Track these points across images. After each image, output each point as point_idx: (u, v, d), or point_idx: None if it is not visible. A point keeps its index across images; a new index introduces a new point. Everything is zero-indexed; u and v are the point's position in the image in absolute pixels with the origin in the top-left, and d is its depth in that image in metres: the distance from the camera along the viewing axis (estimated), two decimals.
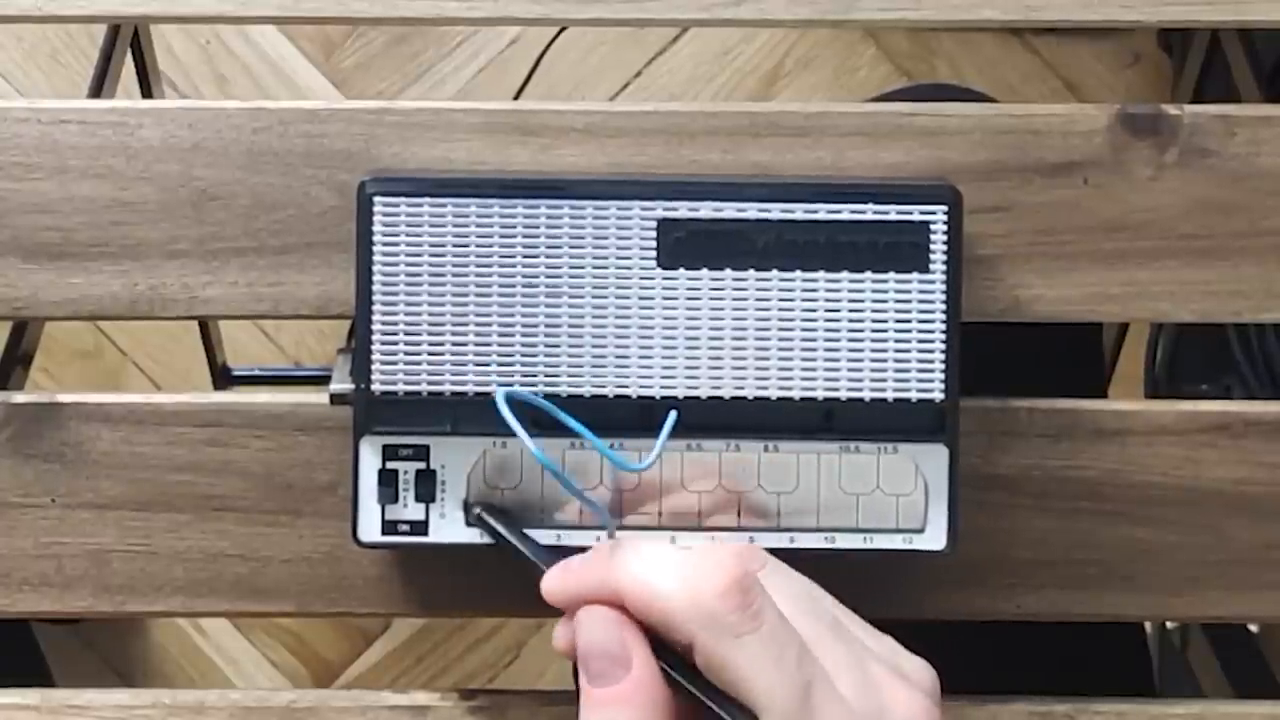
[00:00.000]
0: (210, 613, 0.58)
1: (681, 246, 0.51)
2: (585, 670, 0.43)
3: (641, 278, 0.51)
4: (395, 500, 0.51)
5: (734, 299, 0.51)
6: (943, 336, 0.51)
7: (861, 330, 0.51)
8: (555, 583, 0.45)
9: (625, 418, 0.51)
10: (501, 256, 0.51)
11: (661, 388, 0.51)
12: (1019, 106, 0.57)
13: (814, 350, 0.51)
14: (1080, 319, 0.56)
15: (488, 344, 0.51)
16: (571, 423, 0.49)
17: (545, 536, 0.51)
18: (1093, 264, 0.56)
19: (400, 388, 0.51)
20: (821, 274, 0.51)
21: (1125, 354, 1.03)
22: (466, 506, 0.51)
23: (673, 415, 0.50)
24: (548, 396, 0.50)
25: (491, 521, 0.50)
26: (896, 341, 0.51)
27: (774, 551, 0.46)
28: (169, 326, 1.27)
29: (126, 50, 0.88)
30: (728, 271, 0.51)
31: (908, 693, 0.43)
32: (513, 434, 0.47)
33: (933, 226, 0.51)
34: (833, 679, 0.42)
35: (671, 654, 0.43)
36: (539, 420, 0.50)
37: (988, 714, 0.56)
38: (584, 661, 0.43)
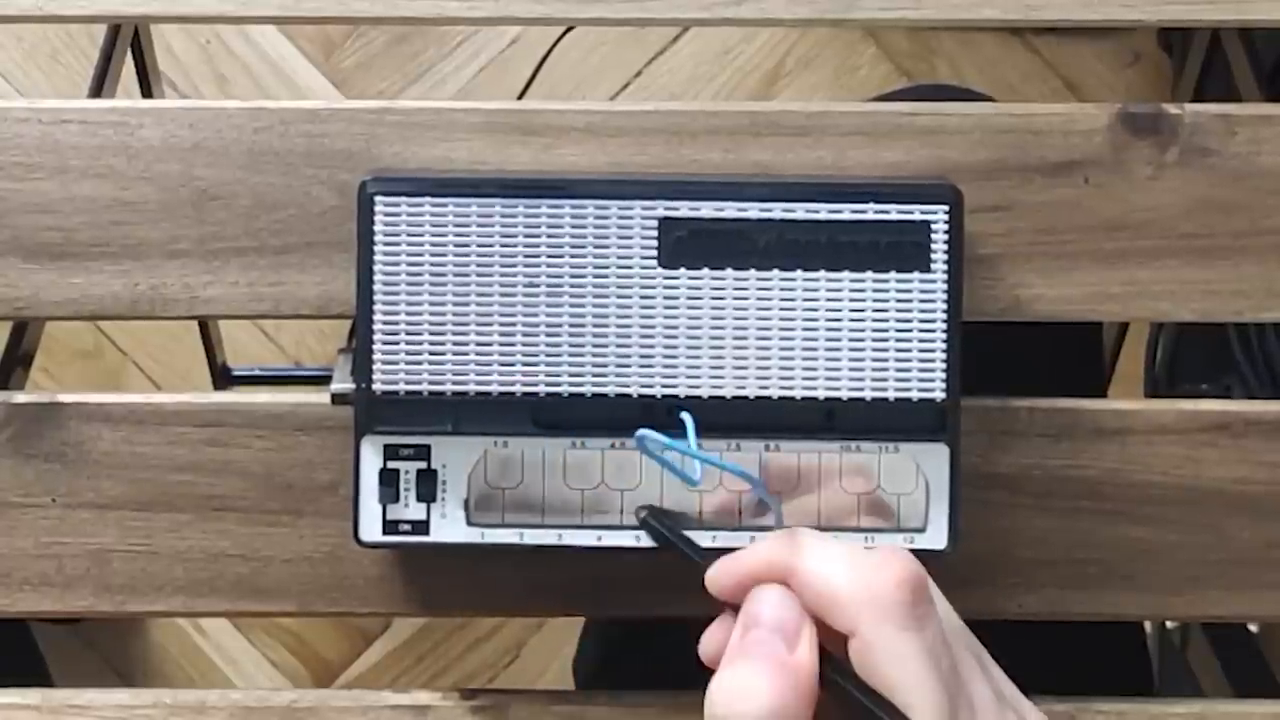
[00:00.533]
0: (211, 613, 0.58)
1: (683, 246, 0.51)
2: (745, 636, 0.42)
3: (643, 277, 0.51)
4: (396, 500, 0.51)
5: (735, 298, 0.51)
6: (943, 336, 0.51)
7: (862, 330, 0.51)
8: (725, 571, 0.44)
9: (626, 417, 0.51)
10: (503, 256, 0.51)
11: (663, 387, 0.51)
12: (1019, 106, 0.57)
13: (815, 350, 0.51)
14: (1080, 319, 0.56)
15: (489, 343, 0.51)
16: (714, 460, 0.48)
17: (546, 536, 0.51)
18: (1093, 263, 0.56)
19: (401, 387, 0.51)
20: (822, 273, 0.51)
21: (1125, 354, 1.03)
22: (468, 506, 0.51)
23: (690, 420, 0.49)
24: (548, 396, 0.50)
25: (655, 524, 0.50)
26: (897, 341, 0.51)
27: None
28: (169, 326, 1.27)
29: (126, 50, 0.88)
30: (729, 271, 0.51)
31: None
32: (514, 433, 0.46)
33: (933, 226, 0.51)
34: (975, 707, 0.41)
35: (829, 653, 0.42)
36: (539, 419, 0.50)
37: None
38: (747, 627, 0.42)
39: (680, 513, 0.51)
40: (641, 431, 0.45)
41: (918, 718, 0.40)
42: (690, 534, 0.50)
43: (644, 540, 0.51)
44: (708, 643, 0.44)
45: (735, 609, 0.43)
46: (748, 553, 0.44)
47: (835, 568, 0.42)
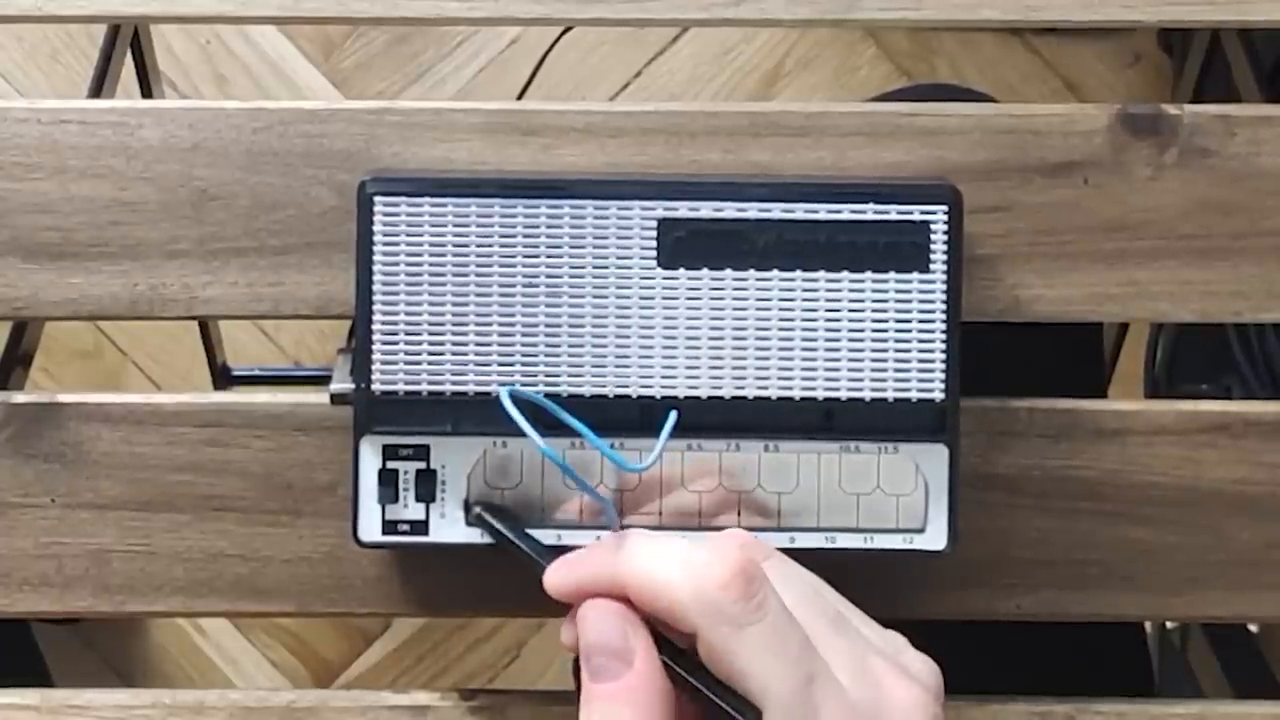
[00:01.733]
0: (210, 613, 0.58)
1: (682, 246, 0.51)
2: (587, 665, 0.43)
3: (642, 278, 0.51)
4: (395, 500, 0.51)
5: (734, 299, 0.51)
6: (943, 336, 0.51)
7: (862, 330, 0.51)
8: (559, 576, 0.45)
9: (625, 418, 0.51)
10: (502, 256, 0.51)
11: (662, 388, 0.51)
12: (1019, 106, 0.57)
13: (814, 350, 0.51)
14: (1080, 319, 0.56)
15: (488, 344, 0.51)
16: (573, 421, 0.49)
17: (546, 536, 0.51)
18: (1093, 264, 0.56)
19: (400, 387, 0.51)
20: (822, 274, 0.51)
21: (1125, 354, 1.03)
22: (467, 506, 0.51)
23: (673, 415, 0.50)
24: (549, 396, 0.50)
25: (491, 520, 0.50)
26: (897, 341, 0.51)
27: None
28: (169, 326, 1.27)
29: (126, 50, 0.88)
30: (728, 271, 0.51)
31: (908, 687, 0.43)
32: (515, 433, 0.47)
33: (933, 226, 0.51)
34: (834, 671, 0.42)
35: (674, 648, 0.43)
36: (540, 420, 0.50)
37: (988, 714, 0.56)
38: (586, 656, 0.43)
39: (511, 510, 0.51)
40: (505, 389, 0.47)
41: (769, 708, 0.40)
42: (532, 532, 0.50)
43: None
44: (565, 635, 0.45)
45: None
46: (578, 561, 0.45)
47: (662, 573, 0.43)
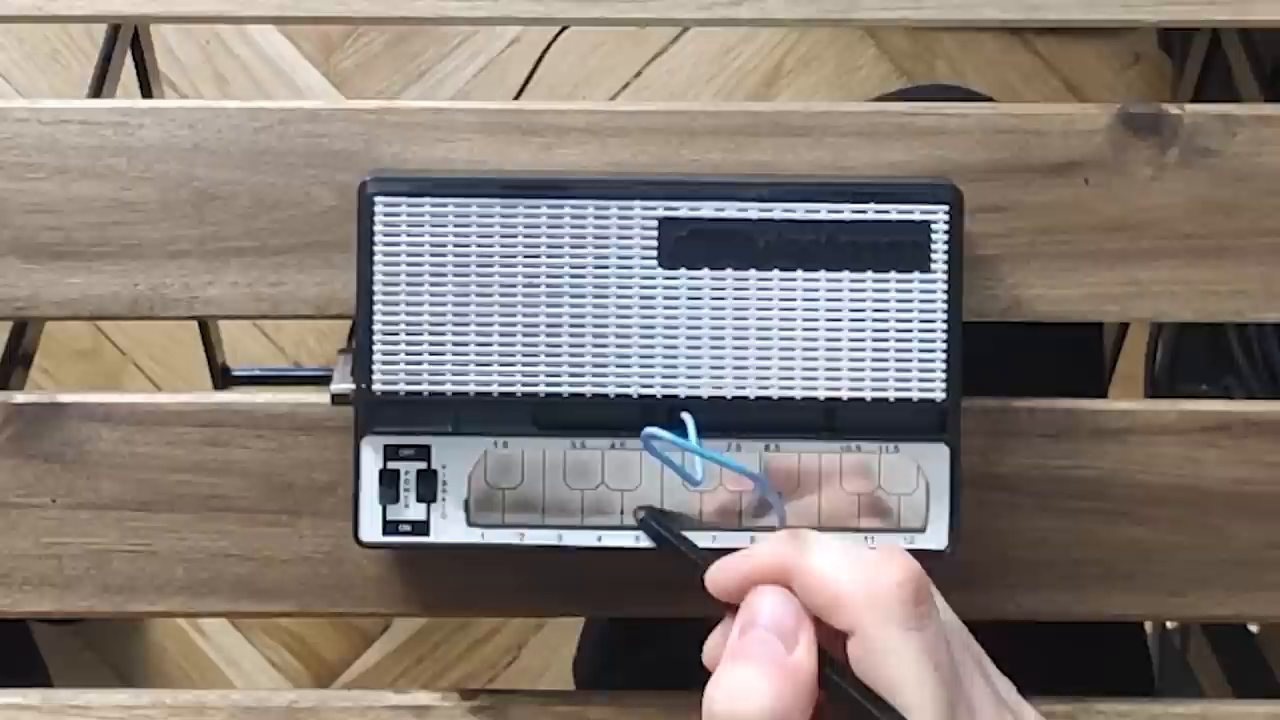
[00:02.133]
0: (211, 613, 0.58)
1: (683, 246, 0.51)
2: (746, 635, 0.42)
3: (643, 277, 0.51)
4: (396, 500, 0.51)
5: (735, 299, 0.51)
6: (944, 336, 0.51)
7: (863, 330, 0.51)
8: (725, 572, 0.44)
9: (626, 418, 0.51)
10: (502, 256, 0.51)
11: (663, 387, 0.51)
12: (1019, 106, 0.57)
13: (815, 350, 0.51)
14: (1080, 319, 0.56)
15: (489, 344, 0.51)
16: (718, 457, 0.48)
17: (546, 536, 0.51)
18: (1093, 264, 0.56)
19: (401, 388, 0.51)
20: (823, 274, 0.51)
21: (1125, 354, 1.03)
22: (469, 506, 0.51)
23: (691, 421, 0.49)
24: (548, 397, 0.50)
25: (655, 525, 0.50)
26: (898, 341, 0.51)
27: None
28: (169, 326, 1.27)
29: (126, 50, 0.88)
30: (729, 271, 0.51)
31: None
32: (515, 433, 0.47)
33: (934, 226, 0.51)
34: (974, 709, 0.41)
35: (827, 654, 0.42)
36: (539, 419, 0.50)
37: None
38: (745, 629, 0.42)
39: (678, 513, 0.51)
40: (648, 430, 0.45)
41: (917, 717, 0.40)
42: (690, 535, 0.50)
43: (644, 540, 0.51)
44: (711, 648, 0.44)
45: (737, 611, 0.43)
46: (749, 553, 0.44)
47: (836, 567, 0.42)
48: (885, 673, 0.41)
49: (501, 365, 0.51)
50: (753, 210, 0.51)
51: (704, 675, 0.43)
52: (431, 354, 0.51)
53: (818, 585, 0.42)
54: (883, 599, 0.41)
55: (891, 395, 0.51)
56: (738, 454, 0.51)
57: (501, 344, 0.51)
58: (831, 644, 0.42)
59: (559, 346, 0.51)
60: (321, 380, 0.54)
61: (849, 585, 0.41)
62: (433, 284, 0.51)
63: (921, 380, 0.51)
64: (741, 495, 0.51)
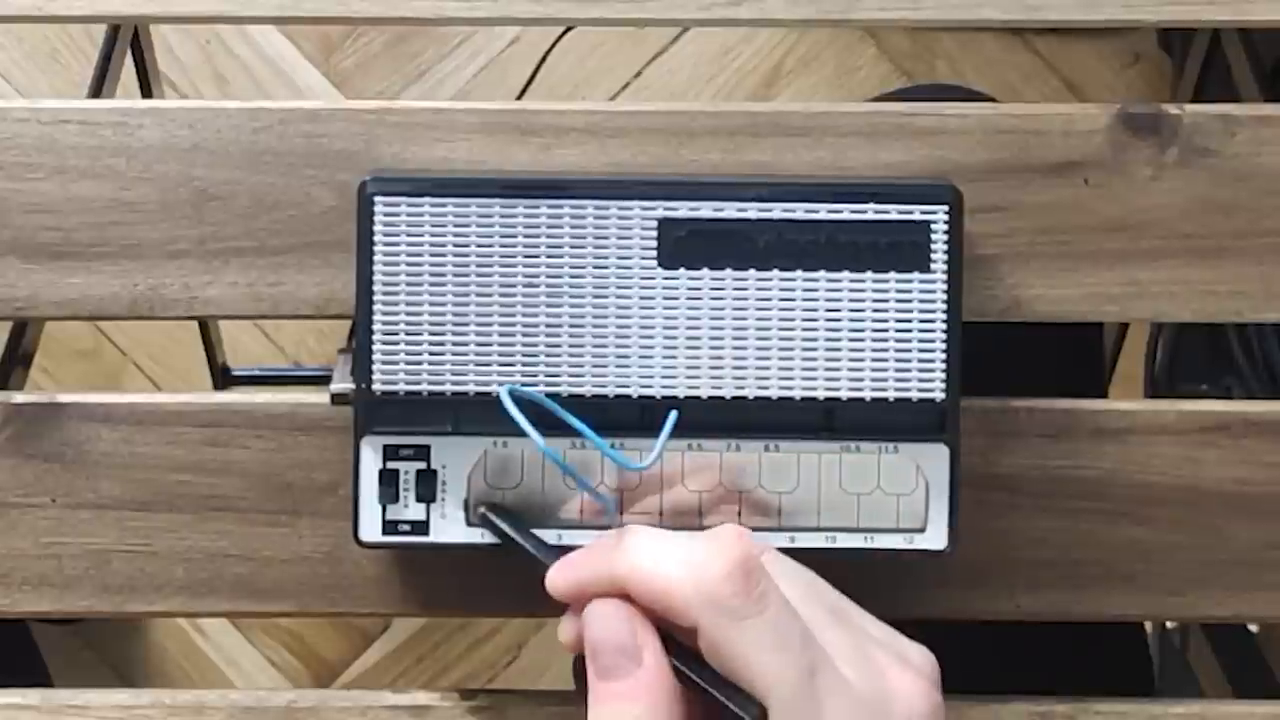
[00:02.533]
0: (210, 613, 0.58)
1: (682, 246, 0.51)
2: (595, 664, 0.43)
3: (642, 277, 0.51)
4: (396, 500, 0.51)
5: (734, 299, 0.51)
6: (943, 336, 0.51)
7: (862, 330, 0.51)
8: (560, 575, 0.45)
9: (626, 417, 0.51)
10: (502, 256, 0.51)
11: (662, 387, 0.51)
12: (1019, 106, 0.57)
13: (815, 350, 0.51)
14: (1080, 319, 0.56)
15: (488, 344, 0.51)
16: (573, 420, 0.49)
17: (547, 536, 0.51)
18: (1093, 264, 0.56)
19: (401, 388, 0.51)
20: (822, 274, 0.51)
21: (1125, 354, 1.03)
22: (469, 505, 0.51)
23: (673, 415, 0.50)
24: (550, 396, 0.50)
25: (495, 519, 0.50)
26: (897, 341, 0.51)
27: None
28: (169, 326, 1.27)
29: (126, 50, 0.88)
30: (728, 271, 0.51)
31: (910, 676, 0.43)
32: (516, 432, 0.47)
33: (933, 226, 0.51)
34: (836, 663, 0.42)
35: (678, 645, 0.43)
36: (541, 420, 0.50)
37: (988, 714, 0.56)
38: (593, 655, 0.43)
39: (518, 511, 0.51)
40: (503, 388, 0.47)
41: (772, 701, 0.40)
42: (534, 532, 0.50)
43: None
44: (563, 632, 0.45)
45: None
46: (578, 561, 0.45)
47: (662, 569, 0.43)
48: (735, 665, 0.41)
49: (501, 365, 0.51)
50: (752, 210, 0.51)
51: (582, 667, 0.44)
52: (431, 354, 0.51)
53: (647, 592, 0.43)
54: (712, 595, 0.41)
55: (891, 395, 0.51)
56: (735, 455, 0.51)
57: (501, 344, 0.51)
58: (686, 632, 0.42)
59: (558, 347, 0.51)
60: (321, 380, 0.54)
61: (677, 586, 0.42)
62: (432, 284, 0.51)
63: (921, 380, 0.51)
64: (701, 494, 0.51)
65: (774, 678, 0.41)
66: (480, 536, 0.51)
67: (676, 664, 0.43)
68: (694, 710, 0.43)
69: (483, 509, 0.51)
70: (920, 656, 0.44)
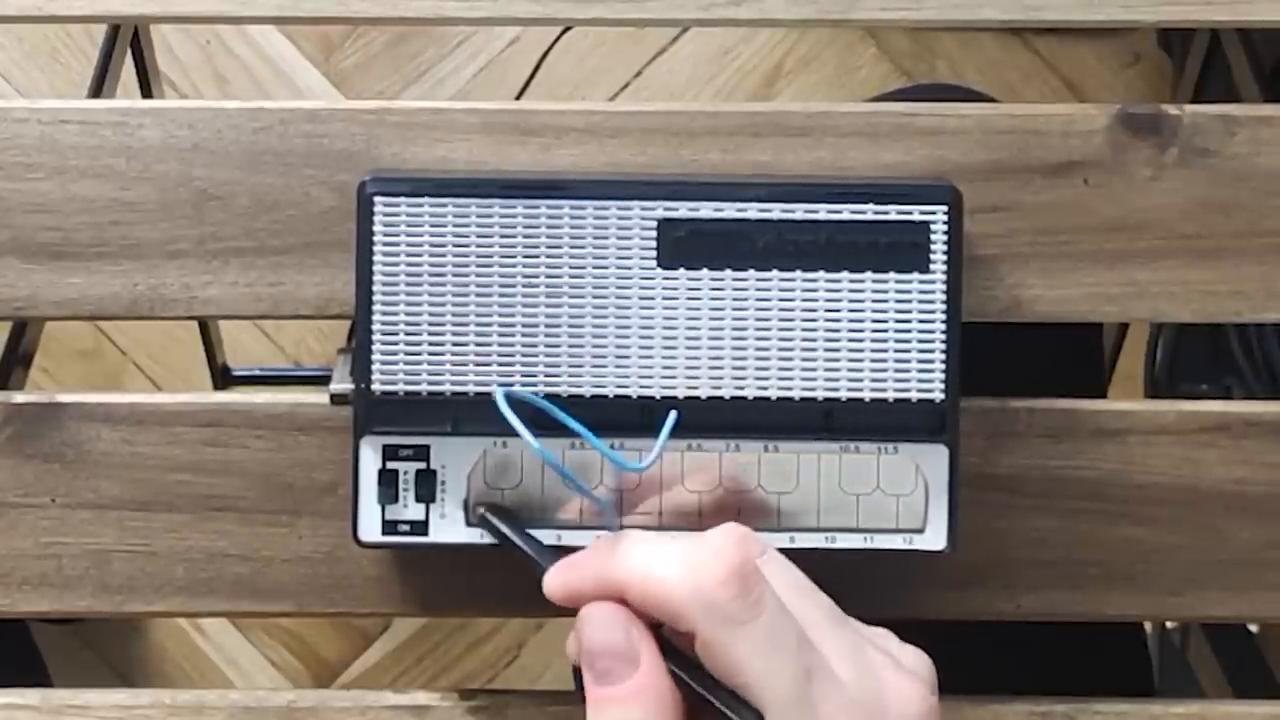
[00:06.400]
0: (210, 613, 0.58)
1: (682, 246, 0.51)
2: (591, 669, 0.43)
3: (642, 278, 0.51)
4: (395, 500, 0.51)
5: (734, 299, 0.51)
6: (943, 336, 0.51)
7: (862, 330, 0.51)
8: (557, 579, 0.45)
9: (625, 418, 0.51)
10: (502, 256, 0.51)
11: (661, 388, 0.51)
12: (1019, 106, 0.57)
13: (814, 350, 0.51)
14: (1080, 319, 0.56)
15: (488, 344, 0.51)
16: (570, 422, 0.49)
17: (546, 536, 0.51)
18: (1093, 264, 0.56)
19: (400, 388, 0.51)
20: (822, 274, 0.51)
21: (1125, 354, 1.03)
22: (468, 506, 0.51)
23: (673, 415, 0.50)
24: (547, 397, 0.50)
25: (494, 521, 0.50)
26: (897, 341, 0.51)
27: None
28: (169, 326, 1.28)
29: (126, 50, 0.88)
30: (728, 271, 0.51)
31: (906, 679, 0.43)
32: (513, 433, 0.47)
33: (933, 226, 0.51)
34: (832, 666, 0.42)
35: (674, 650, 0.43)
36: (539, 421, 0.50)
37: (988, 714, 0.56)
38: (589, 660, 0.43)
39: (516, 512, 0.51)
40: (501, 388, 0.46)
41: (768, 706, 0.40)
42: (533, 532, 0.50)
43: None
44: (570, 646, 0.45)
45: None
46: (576, 568, 0.45)
47: (658, 574, 0.43)
48: (731, 667, 0.41)
49: (501, 365, 0.51)
50: (752, 210, 0.51)
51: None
52: (431, 354, 0.51)
53: (644, 596, 0.43)
54: (709, 600, 0.41)
55: (890, 396, 0.51)
56: (735, 455, 0.51)
57: (501, 344, 0.51)
58: (683, 636, 0.42)
59: (558, 347, 0.51)
60: (321, 380, 0.54)
61: (675, 591, 0.42)
62: (432, 284, 0.51)
63: (920, 381, 0.51)
64: (701, 495, 0.51)
65: (770, 682, 0.41)
66: (480, 537, 0.51)
67: (673, 669, 0.43)
68: (690, 716, 0.43)
69: (482, 510, 0.51)
70: (915, 659, 0.44)
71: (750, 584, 0.42)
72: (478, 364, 0.51)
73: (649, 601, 0.42)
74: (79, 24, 1.24)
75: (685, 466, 0.51)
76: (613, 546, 0.44)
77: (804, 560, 0.47)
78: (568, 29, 1.28)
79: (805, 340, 0.51)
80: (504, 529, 0.50)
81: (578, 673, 0.45)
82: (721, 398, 0.51)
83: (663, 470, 0.51)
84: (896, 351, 0.51)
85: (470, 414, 0.51)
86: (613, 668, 0.42)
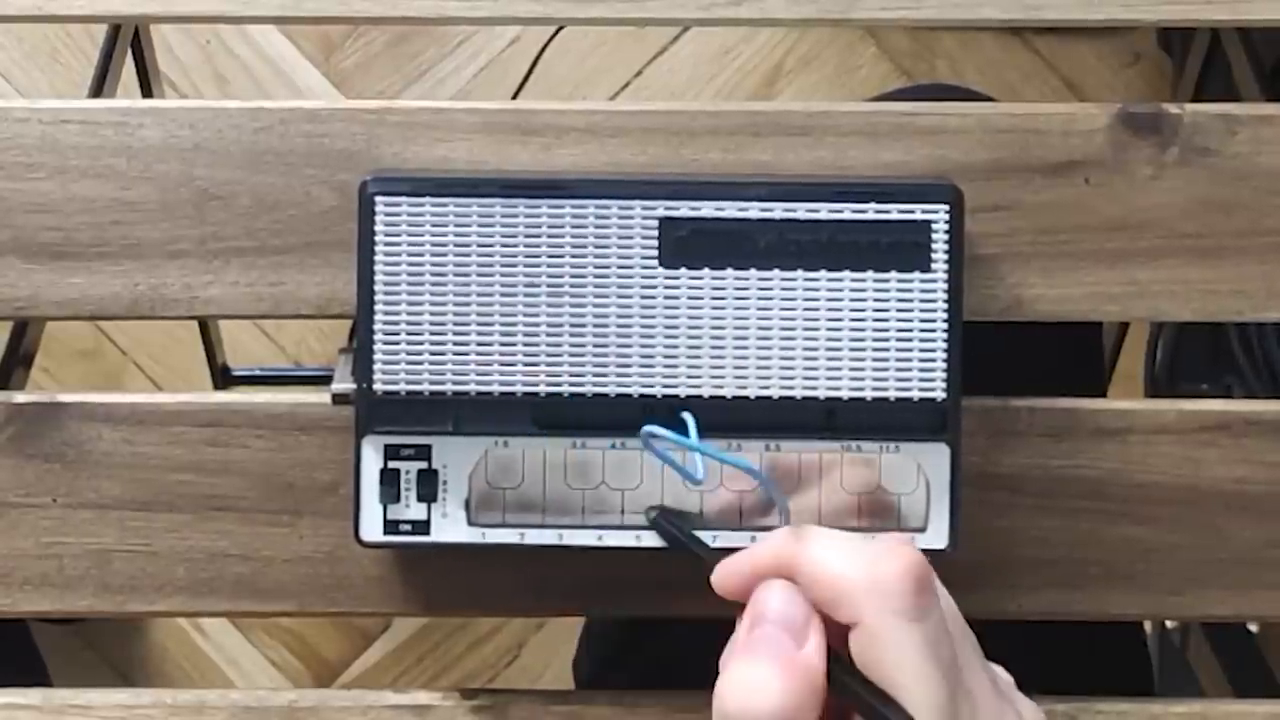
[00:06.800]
0: (211, 613, 0.58)
1: (683, 246, 0.51)
2: (755, 628, 0.41)
3: (643, 277, 0.51)
4: (397, 500, 0.51)
5: (736, 298, 0.51)
6: (944, 336, 0.51)
7: (863, 329, 0.51)
8: (733, 565, 0.44)
9: (626, 417, 0.51)
10: (503, 256, 0.51)
11: (663, 387, 0.51)
12: (1019, 106, 0.57)
13: (816, 349, 0.51)
14: (1080, 319, 0.56)
15: (489, 343, 0.51)
16: (721, 456, 0.47)
17: (546, 536, 0.51)
18: (1093, 263, 0.56)
19: (402, 387, 0.51)
20: (823, 273, 0.51)
21: (1125, 354, 1.03)
22: (469, 505, 0.51)
23: (690, 419, 0.49)
24: (547, 396, 0.50)
25: (666, 524, 0.50)
26: (898, 341, 0.51)
27: None
28: (169, 326, 1.28)
29: (126, 50, 0.88)
30: (729, 271, 0.51)
31: None
32: (515, 432, 0.47)
33: (934, 226, 0.51)
34: (977, 700, 0.41)
35: (834, 650, 0.42)
36: (539, 419, 0.50)
37: None
38: (756, 620, 0.42)
39: (689, 512, 0.51)
40: (647, 428, 0.45)
41: (919, 709, 0.40)
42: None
43: (645, 540, 0.51)
44: (720, 577, 0.44)
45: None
46: (753, 549, 0.44)
47: (838, 559, 0.42)
48: (887, 664, 0.40)
49: (502, 365, 0.51)
50: (753, 210, 0.51)
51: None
52: (432, 354, 0.51)
53: (819, 577, 0.42)
54: (885, 589, 0.41)
55: (892, 395, 0.51)
56: (738, 453, 0.51)
57: (502, 344, 0.51)
58: (835, 640, 0.42)
59: (559, 346, 0.51)
60: (322, 380, 0.54)
61: (851, 577, 0.41)
62: (433, 284, 0.51)
63: (922, 380, 0.51)
64: (742, 495, 0.51)
65: (925, 687, 0.40)
66: (481, 536, 0.51)
67: (834, 664, 0.41)
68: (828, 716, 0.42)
69: (653, 513, 0.51)
70: (1033, 714, 0.44)
71: (925, 586, 0.41)
72: (479, 364, 0.51)
73: (824, 583, 0.41)
74: (79, 24, 1.24)
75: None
76: (793, 535, 0.43)
77: None
78: (560, 28, 1.28)
79: (807, 339, 0.51)
80: (675, 530, 0.50)
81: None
82: (723, 397, 0.51)
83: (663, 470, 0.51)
84: (898, 351, 0.51)
85: (472, 413, 0.51)
86: (780, 637, 0.42)
